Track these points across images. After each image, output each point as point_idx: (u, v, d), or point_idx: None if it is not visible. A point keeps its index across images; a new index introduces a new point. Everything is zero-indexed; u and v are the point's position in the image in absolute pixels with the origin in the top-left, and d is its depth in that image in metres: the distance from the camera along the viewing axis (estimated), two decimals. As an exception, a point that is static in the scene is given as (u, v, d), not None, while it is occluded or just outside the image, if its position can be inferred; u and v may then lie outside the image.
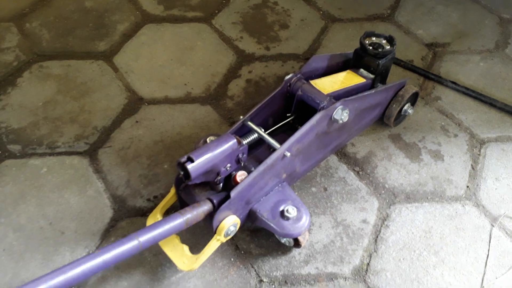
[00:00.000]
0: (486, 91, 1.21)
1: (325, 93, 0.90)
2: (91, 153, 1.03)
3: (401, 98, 1.02)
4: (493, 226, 0.93)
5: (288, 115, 0.96)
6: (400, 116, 1.08)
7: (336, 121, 0.87)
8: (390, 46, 1.00)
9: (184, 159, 0.72)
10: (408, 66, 1.25)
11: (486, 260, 0.88)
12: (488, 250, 0.89)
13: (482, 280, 0.85)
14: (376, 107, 1.02)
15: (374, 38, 1.01)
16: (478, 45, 1.34)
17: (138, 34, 1.32)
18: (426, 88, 1.21)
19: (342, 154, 1.05)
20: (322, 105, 0.87)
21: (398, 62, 1.26)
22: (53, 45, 1.28)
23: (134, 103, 1.14)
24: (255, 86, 1.20)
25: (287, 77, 0.94)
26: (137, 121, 1.10)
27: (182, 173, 0.74)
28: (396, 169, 1.03)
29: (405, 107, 1.05)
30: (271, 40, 1.33)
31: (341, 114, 0.87)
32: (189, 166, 0.71)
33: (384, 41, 1.01)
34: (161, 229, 0.72)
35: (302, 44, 1.32)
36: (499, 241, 0.90)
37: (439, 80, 1.22)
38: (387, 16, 1.41)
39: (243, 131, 0.88)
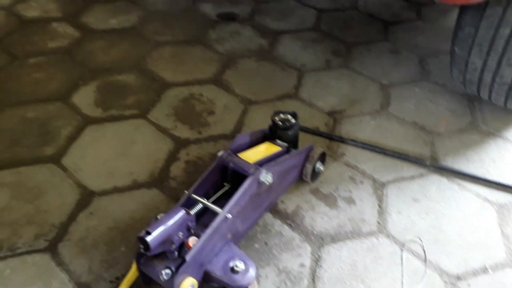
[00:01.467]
0: (379, 143, 1.51)
1: (251, 162, 1.12)
2: (52, 248, 1.12)
3: (312, 158, 1.27)
4: (402, 250, 1.15)
5: (225, 184, 1.14)
6: (315, 173, 1.32)
7: (263, 183, 1.08)
8: (295, 119, 1.26)
9: (143, 233, 0.87)
10: (315, 132, 1.53)
11: (402, 279, 1.08)
12: (402, 271, 1.10)
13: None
14: (294, 168, 1.25)
15: (281, 115, 1.27)
16: (367, 108, 1.67)
17: (82, 136, 1.47)
18: (332, 148, 1.49)
19: (275, 211, 1.25)
20: (250, 172, 1.08)
21: (307, 130, 1.54)
22: (1, 157, 1.38)
23: (86, 197, 1.26)
24: (194, 165, 1.38)
25: (219, 153, 1.14)
26: (91, 213, 1.22)
27: (142, 246, 0.88)
28: (320, 217, 1.24)
29: (317, 165, 1.29)
30: (202, 125, 1.55)
31: (266, 177, 1.08)
32: (148, 238, 0.86)
33: (289, 116, 1.27)
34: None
35: (228, 125, 1.56)
36: (409, 262, 1.12)
37: (341, 140, 1.51)
38: (293, 94, 1.72)
39: (189, 204, 1.04)
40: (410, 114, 1.63)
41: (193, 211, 1.02)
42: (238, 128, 1.55)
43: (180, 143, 1.47)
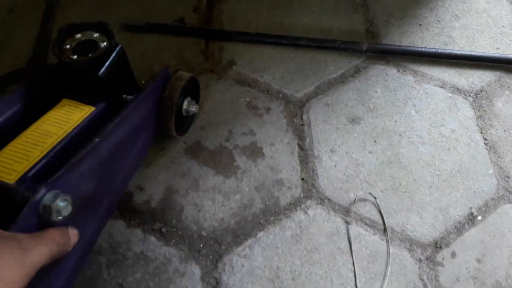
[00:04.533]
0: (284, 26, 0.92)
1: (12, 180, 0.51)
2: None
3: (170, 101, 0.68)
4: (348, 223, 0.70)
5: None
6: (184, 120, 0.75)
7: (52, 218, 0.50)
8: (107, 37, 0.61)
9: None
10: (176, 31, 0.89)
11: (356, 282, 0.65)
12: (353, 264, 0.67)
13: (358, 312, 0.63)
14: (138, 129, 0.66)
15: (79, 35, 0.61)
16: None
17: None
18: (212, 55, 0.88)
19: (130, 211, 0.71)
20: (14, 198, 0.49)
21: (162, 29, 0.89)
22: None
23: None
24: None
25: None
26: None
27: None
28: (209, 199, 0.72)
29: (184, 106, 0.72)
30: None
31: (55, 206, 0.49)
32: None
33: (94, 34, 0.62)
34: None
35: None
36: (361, 242, 0.68)
37: (224, 36, 0.90)
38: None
39: None
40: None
41: None
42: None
43: None
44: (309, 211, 0.71)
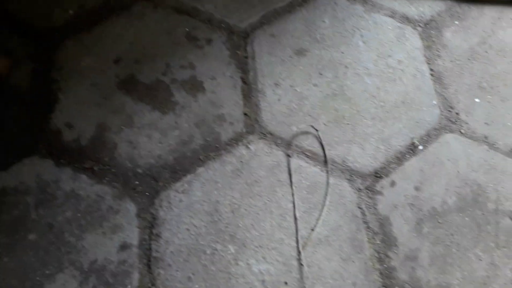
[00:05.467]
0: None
1: None
2: None
3: None
4: (289, 156, 0.69)
5: None
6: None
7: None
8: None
9: None
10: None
11: (294, 212, 0.65)
12: (293, 195, 0.66)
13: (297, 242, 0.63)
14: None
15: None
16: None
17: None
18: (148, -18, 0.81)
19: (59, 150, 0.66)
20: None
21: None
22: None
23: None
24: None
25: None
26: None
27: None
28: (145, 136, 0.68)
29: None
30: None
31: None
32: None
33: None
34: None
35: None
36: (301, 174, 0.67)
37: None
38: None
39: None
40: None
41: None
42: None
43: None
44: (251, 146, 0.69)
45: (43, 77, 0.72)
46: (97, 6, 0.78)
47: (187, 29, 0.77)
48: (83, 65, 0.73)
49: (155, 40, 0.76)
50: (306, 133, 0.70)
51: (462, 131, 0.72)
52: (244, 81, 0.74)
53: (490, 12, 0.84)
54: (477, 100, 0.75)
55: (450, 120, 0.73)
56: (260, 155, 0.68)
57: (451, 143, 0.71)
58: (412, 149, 0.70)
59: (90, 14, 0.77)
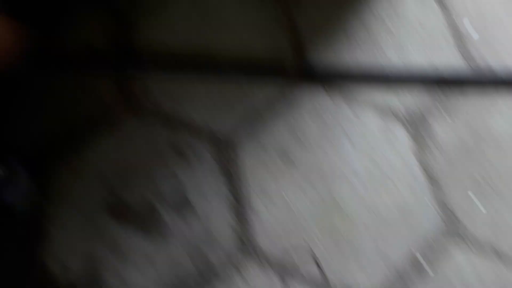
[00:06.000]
0: (207, 47, 0.81)
1: None
2: None
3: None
4: (285, 282, 0.64)
5: None
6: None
7: None
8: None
9: None
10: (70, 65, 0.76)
11: None
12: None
13: None
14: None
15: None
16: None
17: None
18: (133, 87, 0.76)
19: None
20: None
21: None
22: None
23: None
24: None
25: None
26: None
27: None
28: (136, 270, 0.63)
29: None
30: None
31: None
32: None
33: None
34: None
35: None
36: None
37: (140, 68, 0.78)
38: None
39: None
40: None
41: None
42: None
43: None
44: (245, 275, 0.64)
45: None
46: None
47: (173, 142, 0.73)
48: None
49: (139, 155, 0.71)
50: (301, 253, 0.66)
51: (468, 243, 0.69)
52: (234, 195, 0.70)
53: (476, 100, 0.82)
54: (475, 200, 0.72)
55: (451, 228, 0.70)
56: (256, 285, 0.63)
57: (458, 260, 0.67)
58: (416, 265, 0.66)
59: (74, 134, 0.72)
